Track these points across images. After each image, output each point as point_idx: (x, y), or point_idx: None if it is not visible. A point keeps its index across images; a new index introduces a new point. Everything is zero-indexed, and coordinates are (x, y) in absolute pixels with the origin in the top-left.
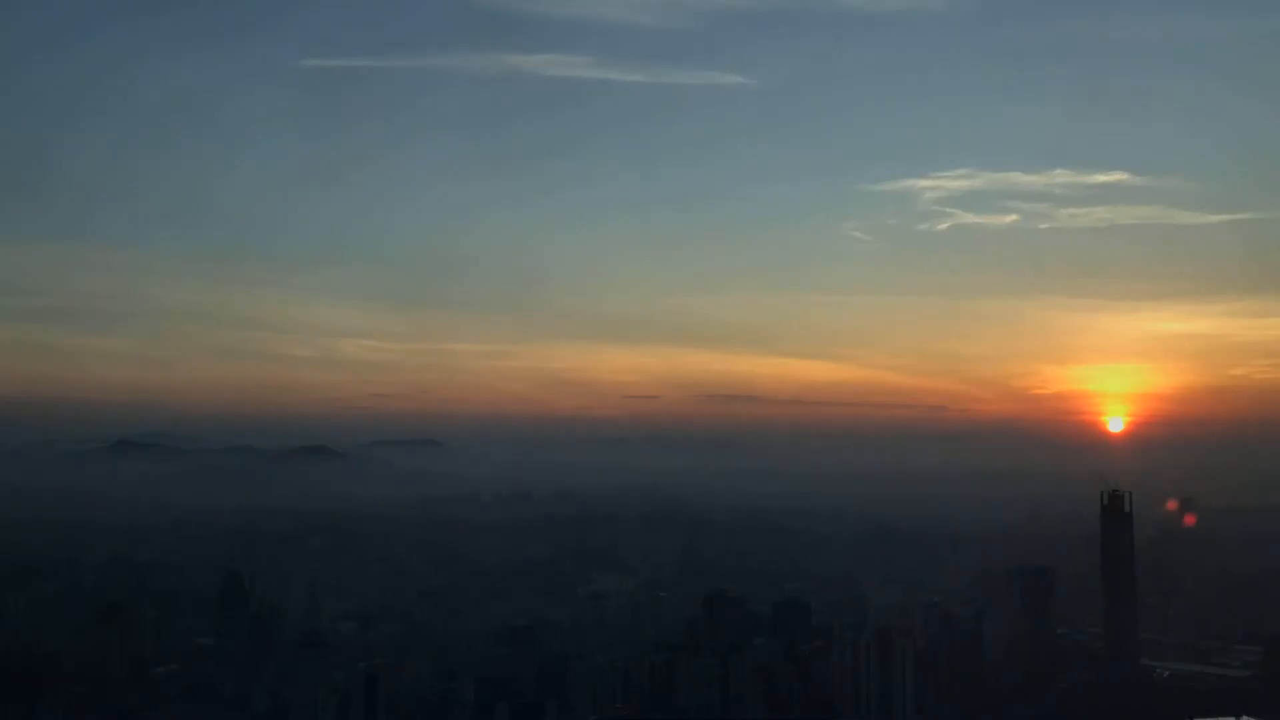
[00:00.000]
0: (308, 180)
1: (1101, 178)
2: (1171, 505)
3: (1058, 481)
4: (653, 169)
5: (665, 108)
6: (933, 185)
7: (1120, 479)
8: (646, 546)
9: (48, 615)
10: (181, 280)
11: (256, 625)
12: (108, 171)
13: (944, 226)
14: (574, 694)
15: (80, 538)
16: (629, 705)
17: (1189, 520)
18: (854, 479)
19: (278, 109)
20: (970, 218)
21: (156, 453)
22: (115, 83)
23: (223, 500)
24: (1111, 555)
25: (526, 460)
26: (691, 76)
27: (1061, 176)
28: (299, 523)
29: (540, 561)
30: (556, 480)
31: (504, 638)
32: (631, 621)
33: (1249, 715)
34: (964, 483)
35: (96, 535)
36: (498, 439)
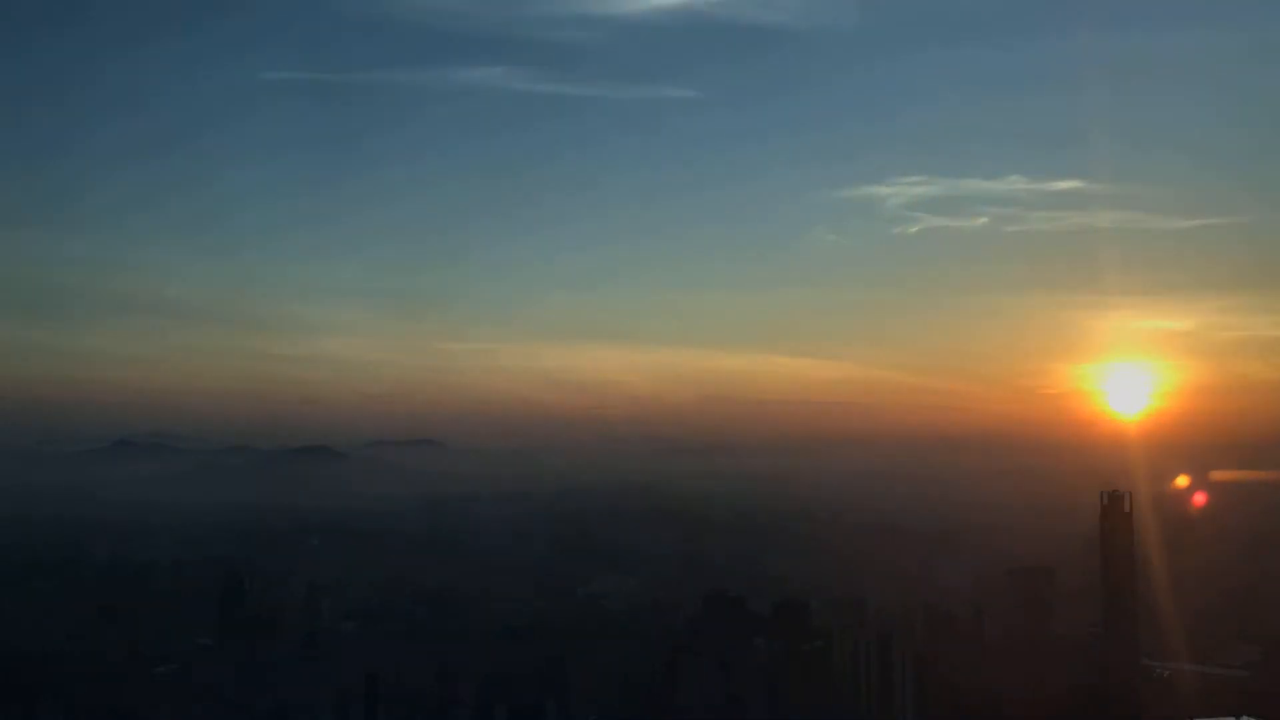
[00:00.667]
0: (305, 181)
1: (1061, 185)
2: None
3: (1057, 482)
4: (623, 177)
5: (621, 120)
6: (895, 192)
7: (1119, 479)
8: (646, 546)
9: (48, 615)
10: (182, 279)
11: (256, 625)
12: (102, 170)
13: (915, 230)
14: (574, 694)
15: (80, 538)
16: (629, 705)
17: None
18: (853, 479)
19: (266, 116)
20: (941, 220)
21: (156, 453)
22: (114, 82)
23: (223, 500)
24: (1111, 555)
25: (526, 460)
26: (643, 91)
27: (1019, 184)
28: (299, 523)
29: (540, 561)
30: (556, 480)
31: (504, 638)
32: (631, 621)
33: (1249, 715)
34: (963, 483)
35: (96, 535)
36: (498, 439)
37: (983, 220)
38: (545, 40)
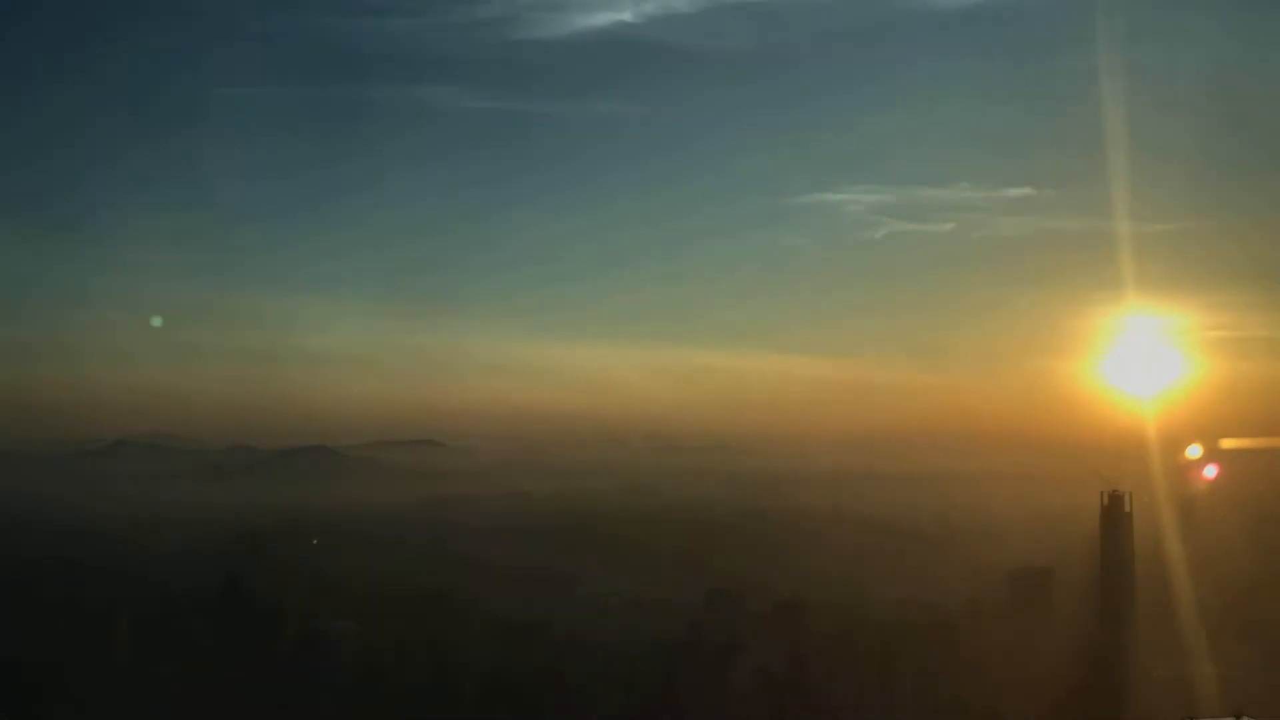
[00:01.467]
0: (303, 180)
1: (1013, 191)
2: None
3: (1057, 481)
4: (589, 188)
5: (577, 134)
6: (851, 199)
7: (1119, 479)
8: (646, 546)
9: (47, 616)
10: (182, 279)
11: (256, 625)
12: (96, 167)
13: (880, 234)
14: (573, 694)
15: (79, 538)
16: (628, 706)
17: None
18: (854, 478)
19: (269, 115)
20: (906, 225)
21: (156, 453)
22: (113, 86)
23: (223, 500)
24: (1111, 555)
25: (526, 460)
26: (593, 106)
27: (969, 191)
28: (299, 523)
29: (540, 561)
30: (556, 480)
31: (504, 638)
32: (631, 621)
33: (1249, 715)
34: (963, 482)
35: (95, 535)
36: (498, 439)
37: (949, 225)
38: (490, 59)
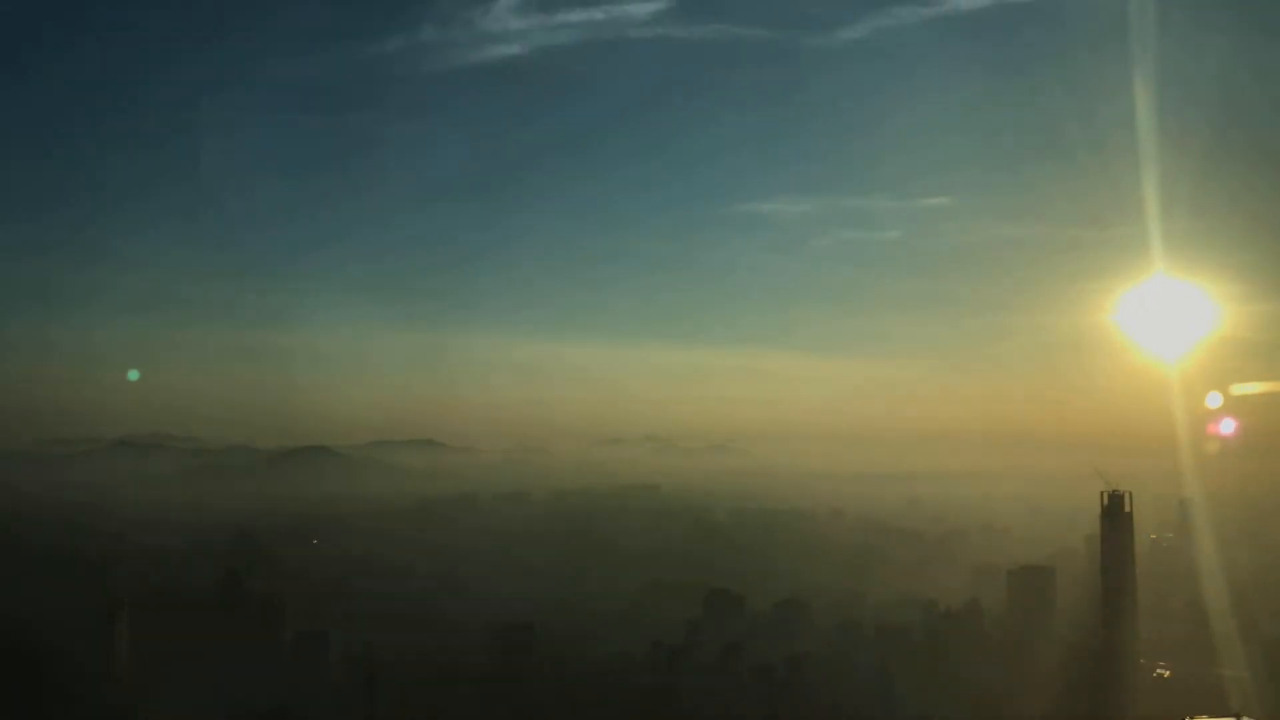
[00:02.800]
0: (302, 181)
1: (929, 201)
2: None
3: (1057, 481)
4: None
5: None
6: (784, 208)
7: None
8: (646, 546)
9: (47, 615)
10: (181, 279)
11: (256, 625)
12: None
13: (825, 242)
14: (573, 694)
15: (79, 538)
16: (628, 705)
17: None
18: (853, 479)
19: (261, 110)
20: (850, 233)
21: (156, 453)
22: (113, 89)
23: (223, 500)
24: (1111, 555)
25: (526, 460)
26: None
27: (887, 201)
28: (299, 523)
29: (539, 562)
30: (556, 480)
31: (504, 638)
32: (631, 621)
33: (1249, 715)
34: (962, 482)
35: (96, 535)
36: (498, 439)
37: (895, 233)
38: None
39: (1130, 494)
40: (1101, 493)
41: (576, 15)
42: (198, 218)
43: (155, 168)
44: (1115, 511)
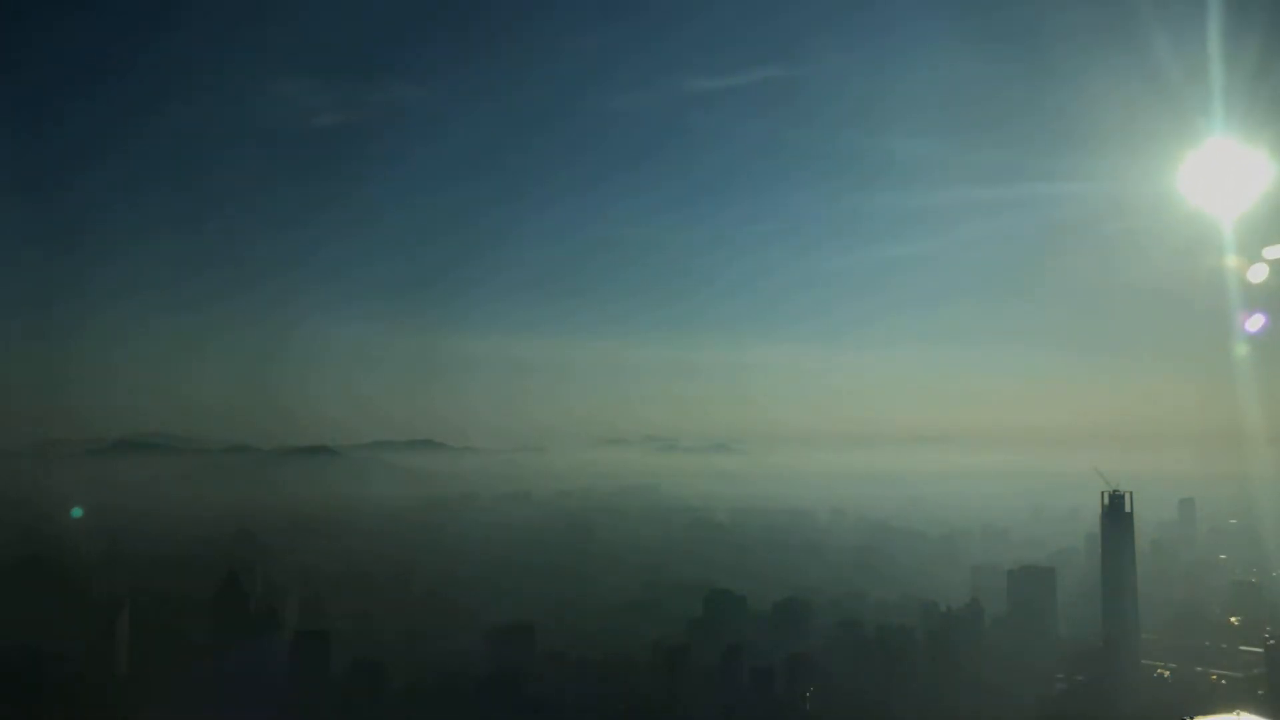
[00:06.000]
0: (302, 183)
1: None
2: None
3: (1057, 481)
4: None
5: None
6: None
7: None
8: (646, 546)
9: (48, 615)
10: (182, 278)
11: (256, 625)
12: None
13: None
14: (574, 693)
15: (79, 537)
16: (629, 705)
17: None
18: (853, 479)
19: (266, 123)
20: None
21: (156, 453)
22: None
23: (223, 500)
24: (1111, 555)
25: (526, 460)
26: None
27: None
28: (299, 523)
29: (540, 561)
30: (556, 480)
31: (504, 638)
32: (631, 621)
33: (1249, 715)
34: (962, 482)
35: (96, 534)
36: (498, 439)
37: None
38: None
39: (1130, 493)
40: (1102, 493)
41: None
42: (198, 218)
43: (155, 168)
44: (1115, 511)
